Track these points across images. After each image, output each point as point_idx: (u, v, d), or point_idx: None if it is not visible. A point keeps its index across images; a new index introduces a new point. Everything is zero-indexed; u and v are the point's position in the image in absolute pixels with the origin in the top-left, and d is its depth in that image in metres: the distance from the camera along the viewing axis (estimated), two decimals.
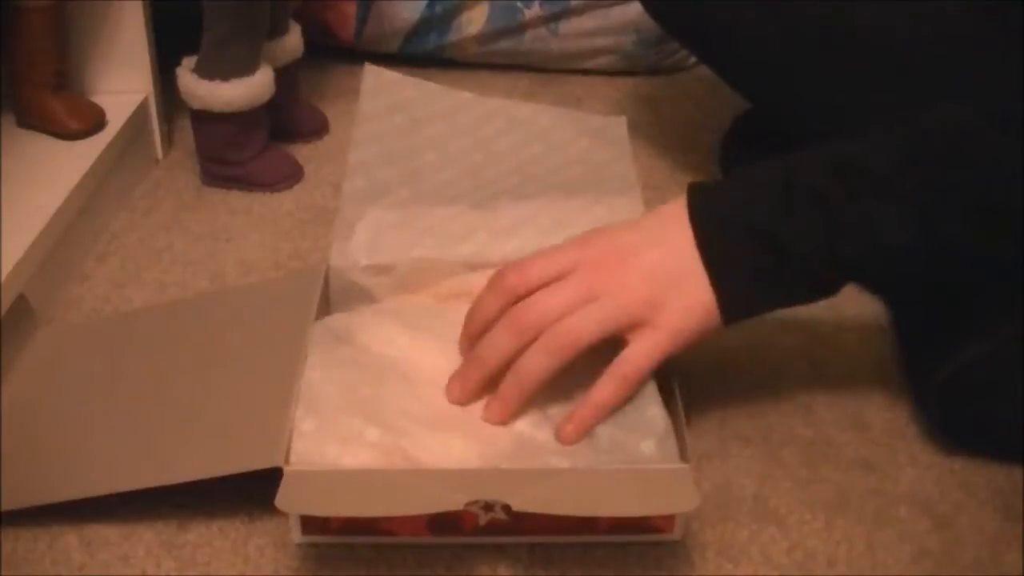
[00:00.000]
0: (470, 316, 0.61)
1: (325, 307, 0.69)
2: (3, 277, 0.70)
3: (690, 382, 0.72)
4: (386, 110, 0.85)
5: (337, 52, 1.22)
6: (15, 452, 0.63)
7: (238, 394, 0.63)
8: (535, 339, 0.57)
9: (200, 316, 0.74)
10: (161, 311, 0.78)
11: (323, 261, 0.71)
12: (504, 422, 0.58)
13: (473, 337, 0.61)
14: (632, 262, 0.57)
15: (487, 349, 0.58)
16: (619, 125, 0.88)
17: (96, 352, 0.73)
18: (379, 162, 0.79)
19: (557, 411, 0.59)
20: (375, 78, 0.86)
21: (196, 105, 0.92)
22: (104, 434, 0.63)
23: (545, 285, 0.58)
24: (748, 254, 0.57)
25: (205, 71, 0.91)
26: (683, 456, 0.57)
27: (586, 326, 0.56)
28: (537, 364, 0.57)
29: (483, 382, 0.59)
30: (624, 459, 0.56)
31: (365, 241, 0.71)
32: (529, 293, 0.58)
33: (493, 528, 0.56)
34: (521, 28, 1.20)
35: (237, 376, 0.64)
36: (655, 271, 0.57)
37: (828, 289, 0.59)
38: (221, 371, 0.66)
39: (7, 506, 0.59)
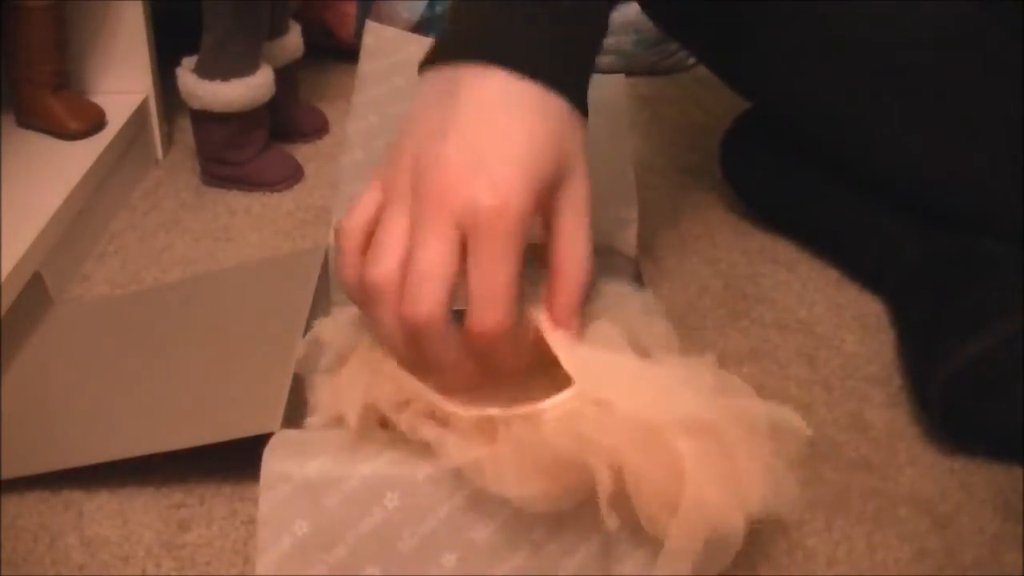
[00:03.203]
0: None
1: (325, 285, 0.71)
2: (3, 277, 0.70)
3: None
4: (386, 71, 0.84)
5: (337, 52, 1.22)
6: (21, 420, 0.64)
7: (239, 367, 0.64)
8: None
9: (206, 293, 0.76)
10: (170, 288, 0.80)
11: (324, 239, 0.71)
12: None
13: None
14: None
15: None
16: (616, 84, 0.86)
17: (104, 327, 0.74)
18: (378, 131, 0.78)
19: None
20: (376, 35, 0.85)
21: (196, 105, 0.92)
22: (108, 404, 0.65)
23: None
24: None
25: (205, 71, 0.91)
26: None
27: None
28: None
29: None
30: None
31: None
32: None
33: None
34: None
35: (239, 350, 0.66)
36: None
37: None
38: (224, 345, 0.67)
39: (9, 474, 0.60)
